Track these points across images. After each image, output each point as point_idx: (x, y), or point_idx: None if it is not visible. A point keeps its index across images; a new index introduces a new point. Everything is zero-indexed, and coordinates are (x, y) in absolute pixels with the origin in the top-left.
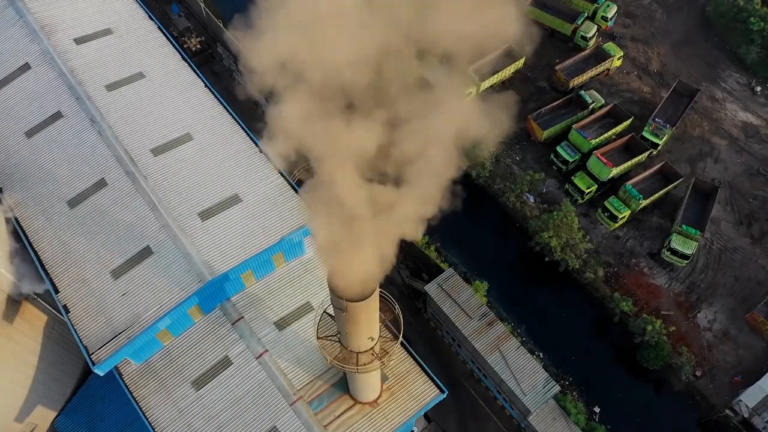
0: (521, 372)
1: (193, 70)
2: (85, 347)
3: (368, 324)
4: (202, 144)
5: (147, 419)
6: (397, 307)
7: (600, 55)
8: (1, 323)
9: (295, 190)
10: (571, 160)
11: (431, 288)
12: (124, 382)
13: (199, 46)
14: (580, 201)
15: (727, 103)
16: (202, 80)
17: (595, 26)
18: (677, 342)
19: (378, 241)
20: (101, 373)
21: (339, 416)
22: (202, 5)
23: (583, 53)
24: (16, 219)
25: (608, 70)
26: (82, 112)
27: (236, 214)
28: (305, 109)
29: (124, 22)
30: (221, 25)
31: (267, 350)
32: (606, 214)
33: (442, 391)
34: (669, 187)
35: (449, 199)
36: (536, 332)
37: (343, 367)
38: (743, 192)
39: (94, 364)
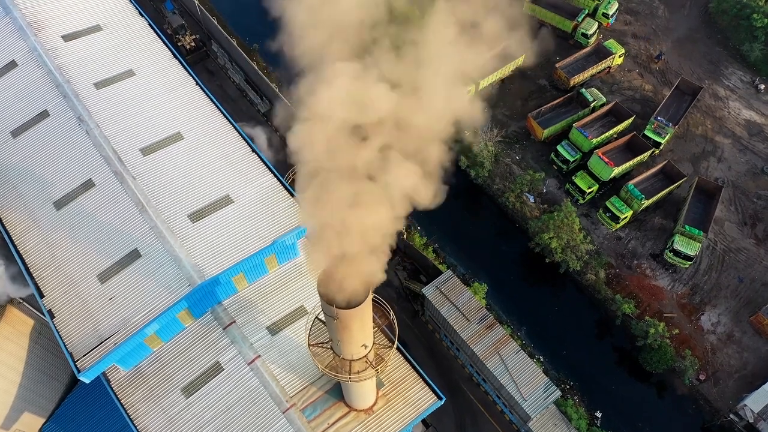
0: (521, 376)
1: (185, 68)
2: (70, 353)
3: (361, 331)
4: (193, 143)
5: (136, 427)
6: (391, 312)
7: (601, 53)
8: None
9: (289, 191)
10: (571, 159)
11: (429, 290)
12: (112, 388)
13: (193, 44)
14: (581, 201)
15: (731, 101)
16: (194, 78)
17: (596, 23)
18: (680, 345)
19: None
20: (87, 380)
21: (333, 424)
22: (197, 2)
23: (583, 51)
24: (1, 221)
25: (609, 67)
26: (69, 110)
27: (228, 215)
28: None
29: (114, 18)
30: (216, 23)
31: (259, 356)
32: (607, 214)
33: (440, 398)
34: (671, 186)
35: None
36: (536, 335)
37: (335, 375)
38: (747, 191)
39: (79, 371)
